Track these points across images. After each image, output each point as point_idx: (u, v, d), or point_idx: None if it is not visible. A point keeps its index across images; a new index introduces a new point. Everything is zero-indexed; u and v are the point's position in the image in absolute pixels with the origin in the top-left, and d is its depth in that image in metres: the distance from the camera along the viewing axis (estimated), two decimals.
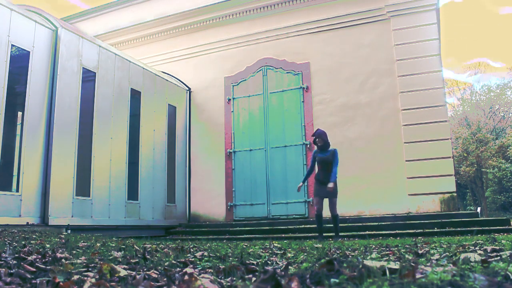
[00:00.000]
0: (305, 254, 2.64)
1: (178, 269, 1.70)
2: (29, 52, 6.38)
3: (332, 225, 6.04)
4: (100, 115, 7.42)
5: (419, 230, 6.82)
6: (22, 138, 6.20)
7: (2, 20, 6.00)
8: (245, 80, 9.70)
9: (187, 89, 10.22)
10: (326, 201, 5.98)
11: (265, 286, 1.05)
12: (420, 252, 2.45)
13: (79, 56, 7.12)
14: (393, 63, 8.58)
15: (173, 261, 1.96)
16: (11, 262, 1.73)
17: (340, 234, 6.13)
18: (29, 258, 1.86)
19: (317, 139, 5.99)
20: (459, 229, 6.60)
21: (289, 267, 1.76)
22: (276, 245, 3.88)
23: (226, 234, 7.99)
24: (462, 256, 1.76)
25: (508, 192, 24.74)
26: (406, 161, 8.14)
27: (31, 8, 7.11)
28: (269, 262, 2.08)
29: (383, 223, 7.52)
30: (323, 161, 5.97)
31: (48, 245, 2.82)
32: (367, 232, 7.03)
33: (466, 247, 2.78)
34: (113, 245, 3.21)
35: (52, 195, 6.31)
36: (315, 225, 8.00)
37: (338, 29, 9.14)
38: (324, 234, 6.06)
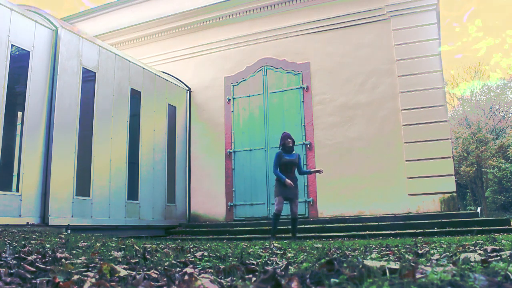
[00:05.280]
0: (305, 254, 2.64)
1: (178, 269, 1.70)
2: (29, 52, 6.38)
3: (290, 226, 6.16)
4: (100, 115, 7.42)
5: (419, 230, 6.82)
6: (22, 138, 6.20)
7: (2, 20, 6.00)
8: (245, 80, 9.70)
9: (187, 89, 10.22)
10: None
11: (265, 286, 1.05)
12: (420, 252, 2.45)
13: (79, 56, 7.12)
14: (393, 63, 8.58)
15: (173, 261, 1.96)
16: (11, 262, 1.73)
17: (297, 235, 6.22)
18: (29, 258, 1.86)
19: (289, 139, 6.14)
20: (459, 229, 6.60)
21: (289, 267, 1.76)
22: (276, 245, 3.88)
23: (226, 234, 7.99)
24: (462, 256, 1.76)
25: (508, 192, 24.74)
26: (406, 161, 8.14)
27: (31, 8, 7.11)
28: (269, 262, 2.08)
29: (383, 223, 7.52)
30: (291, 163, 6.09)
31: (48, 245, 2.82)
32: (367, 232, 7.03)
33: (466, 247, 2.78)
34: (113, 245, 3.21)
35: (52, 195, 6.31)
36: (316, 225, 8.02)
37: (338, 29, 9.14)
38: (278, 235, 6.15)
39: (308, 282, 1.13)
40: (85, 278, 1.35)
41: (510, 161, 24.75)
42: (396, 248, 3.04)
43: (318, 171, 6.39)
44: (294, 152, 6.26)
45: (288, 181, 5.96)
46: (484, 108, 30.58)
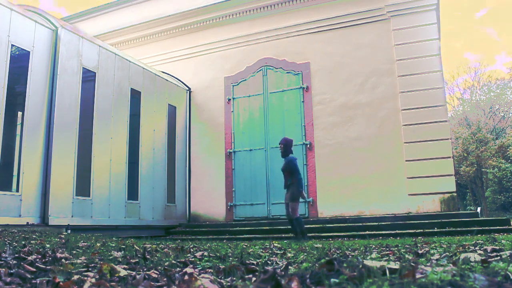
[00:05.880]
0: (305, 254, 2.64)
1: (178, 269, 1.70)
2: (29, 52, 6.38)
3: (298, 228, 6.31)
4: (100, 115, 7.42)
5: (419, 230, 6.82)
6: (22, 138, 6.20)
7: (2, 20, 5.99)
8: (245, 80, 9.70)
9: (187, 89, 10.22)
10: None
11: (265, 286, 1.05)
12: (420, 252, 2.45)
13: (79, 56, 7.12)
14: (393, 63, 8.58)
15: (173, 261, 1.96)
16: (11, 262, 1.73)
17: (307, 235, 6.33)
18: (29, 258, 1.86)
19: (280, 145, 6.46)
20: (459, 229, 6.60)
21: (289, 267, 1.76)
22: (276, 245, 3.88)
23: (226, 234, 7.98)
24: (462, 256, 1.76)
25: (508, 192, 24.74)
26: (406, 161, 8.14)
27: (31, 8, 7.11)
28: (269, 262, 2.08)
29: (383, 223, 7.52)
30: (282, 169, 6.44)
31: (48, 245, 2.82)
32: (367, 232, 7.03)
33: (466, 247, 2.78)
34: (113, 245, 3.21)
35: (52, 195, 6.31)
36: (316, 225, 8.05)
37: (338, 29, 9.14)
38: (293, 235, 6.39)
39: (308, 282, 1.13)
40: (85, 278, 1.35)
41: (510, 161, 24.74)
42: (396, 248, 3.04)
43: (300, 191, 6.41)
44: (290, 155, 6.37)
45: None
46: (484, 108, 30.57)
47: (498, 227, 6.55)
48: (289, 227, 6.74)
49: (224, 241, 6.11)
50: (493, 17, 49.56)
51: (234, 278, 1.44)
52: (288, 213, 6.23)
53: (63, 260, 1.88)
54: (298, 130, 8.95)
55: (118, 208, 7.59)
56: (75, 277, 1.36)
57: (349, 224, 7.72)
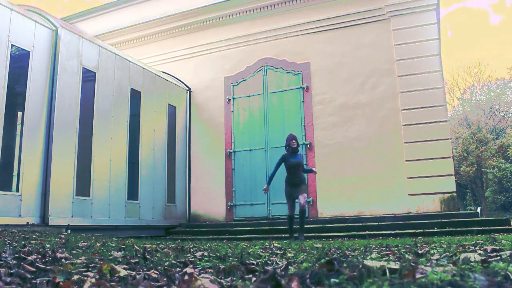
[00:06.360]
0: (305, 254, 2.64)
1: (178, 269, 1.70)
2: (29, 52, 6.38)
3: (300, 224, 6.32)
4: (100, 115, 7.42)
5: (419, 230, 6.82)
6: (22, 138, 6.20)
7: (2, 20, 5.99)
8: (245, 80, 9.70)
9: (187, 89, 10.22)
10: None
11: (265, 286, 1.05)
12: (420, 252, 2.45)
13: (79, 56, 7.12)
14: (393, 63, 8.58)
15: (173, 261, 1.96)
16: (11, 262, 1.73)
17: (294, 235, 6.32)
18: (29, 258, 1.86)
19: (293, 141, 6.37)
20: (459, 229, 6.60)
21: (289, 267, 1.76)
22: (276, 245, 3.88)
23: (226, 234, 7.98)
24: (462, 256, 1.76)
25: (508, 192, 24.74)
26: (406, 161, 8.14)
27: (31, 8, 7.11)
28: (269, 262, 2.08)
29: (383, 223, 7.52)
30: (296, 164, 6.34)
31: (48, 245, 2.82)
32: (367, 232, 7.03)
33: (466, 247, 2.78)
34: (113, 245, 3.21)
35: (52, 195, 6.31)
36: (316, 225, 8.03)
37: (338, 29, 9.14)
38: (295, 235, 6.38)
39: (308, 282, 1.13)
40: (85, 278, 1.35)
41: (510, 161, 24.75)
42: (396, 248, 3.04)
43: (314, 172, 6.96)
44: (298, 153, 6.46)
45: (265, 187, 6.57)
46: (484, 108, 30.57)
47: (498, 227, 6.55)
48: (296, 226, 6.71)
49: (224, 241, 6.11)
50: None
51: (234, 278, 1.44)
52: (302, 206, 6.10)
53: (63, 260, 1.88)
54: (298, 130, 8.95)
55: (118, 208, 7.59)
56: (75, 277, 1.36)
57: (349, 224, 7.72)
